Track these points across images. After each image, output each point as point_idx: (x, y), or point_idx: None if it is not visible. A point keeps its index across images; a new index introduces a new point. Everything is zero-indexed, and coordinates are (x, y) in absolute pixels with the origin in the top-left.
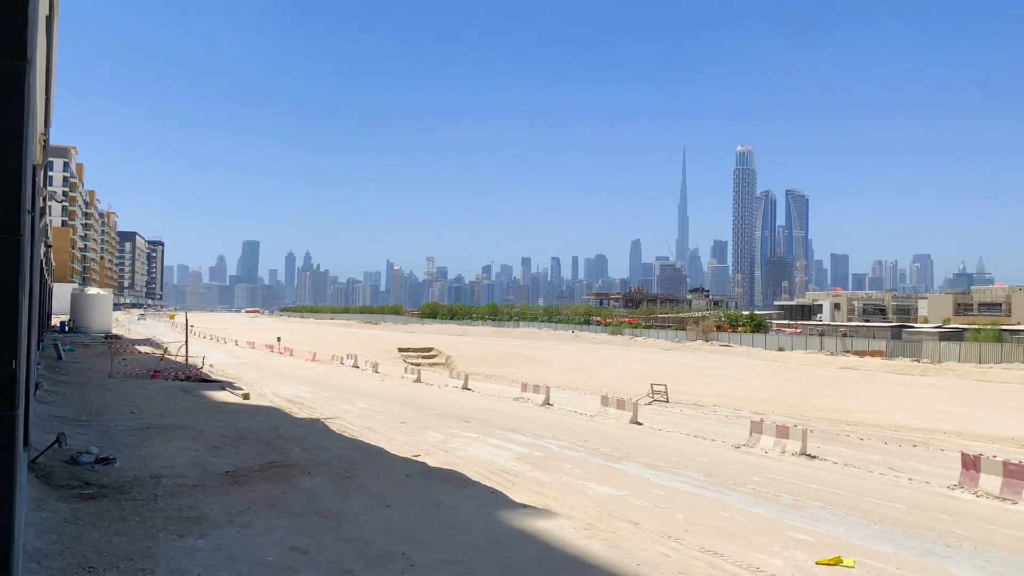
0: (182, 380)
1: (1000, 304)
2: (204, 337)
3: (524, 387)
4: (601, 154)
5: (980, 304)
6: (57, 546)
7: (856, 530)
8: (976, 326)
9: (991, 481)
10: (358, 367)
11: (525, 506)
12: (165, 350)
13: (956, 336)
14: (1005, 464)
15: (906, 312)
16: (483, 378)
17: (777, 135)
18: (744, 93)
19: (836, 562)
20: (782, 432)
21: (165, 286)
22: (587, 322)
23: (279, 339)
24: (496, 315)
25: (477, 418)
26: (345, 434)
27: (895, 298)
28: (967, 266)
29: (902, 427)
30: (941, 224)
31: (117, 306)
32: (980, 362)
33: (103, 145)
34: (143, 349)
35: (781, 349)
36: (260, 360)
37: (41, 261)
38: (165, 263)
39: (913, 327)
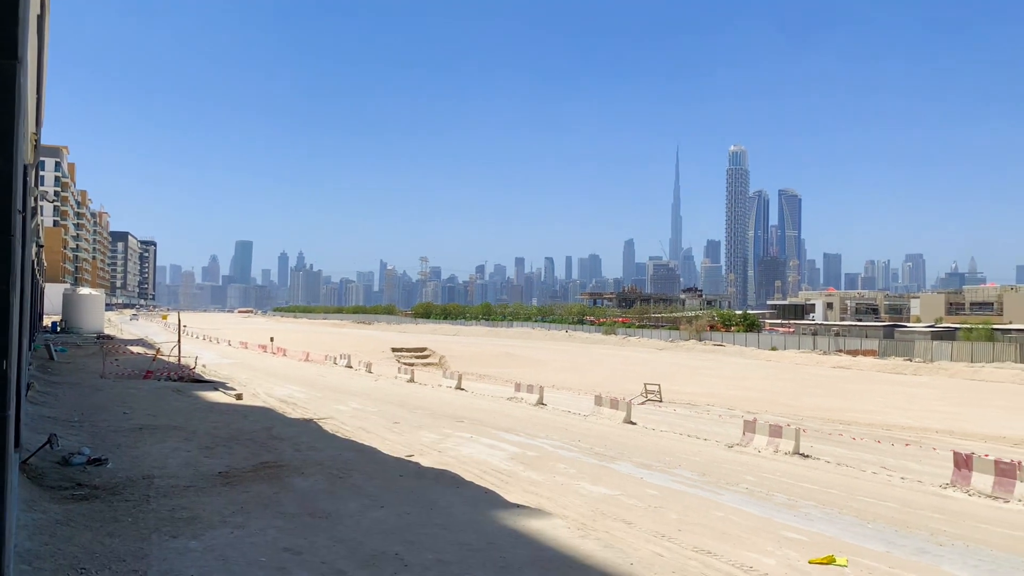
0: (175, 380)
1: (992, 303)
2: (197, 337)
3: (518, 387)
4: (595, 154)
5: (972, 303)
6: (49, 547)
7: (849, 529)
8: (968, 325)
9: (983, 480)
10: (351, 367)
11: (519, 506)
12: (157, 350)
13: (948, 335)
14: (997, 463)
15: (898, 311)
16: (477, 378)
17: (770, 135)
18: (737, 94)
19: (829, 561)
20: (775, 431)
21: (158, 286)
22: (581, 322)
23: (272, 339)
24: (490, 315)
25: (471, 418)
26: (338, 434)
27: (887, 297)
28: (959, 266)
29: (895, 426)
30: (933, 224)
31: (109, 306)
32: (972, 361)
33: (95, 145)
34: (135, 349)
35: (774, 348)
36: (253, 360)
37: (32, 261)
38: (157, 263)
39: (905, 326)
